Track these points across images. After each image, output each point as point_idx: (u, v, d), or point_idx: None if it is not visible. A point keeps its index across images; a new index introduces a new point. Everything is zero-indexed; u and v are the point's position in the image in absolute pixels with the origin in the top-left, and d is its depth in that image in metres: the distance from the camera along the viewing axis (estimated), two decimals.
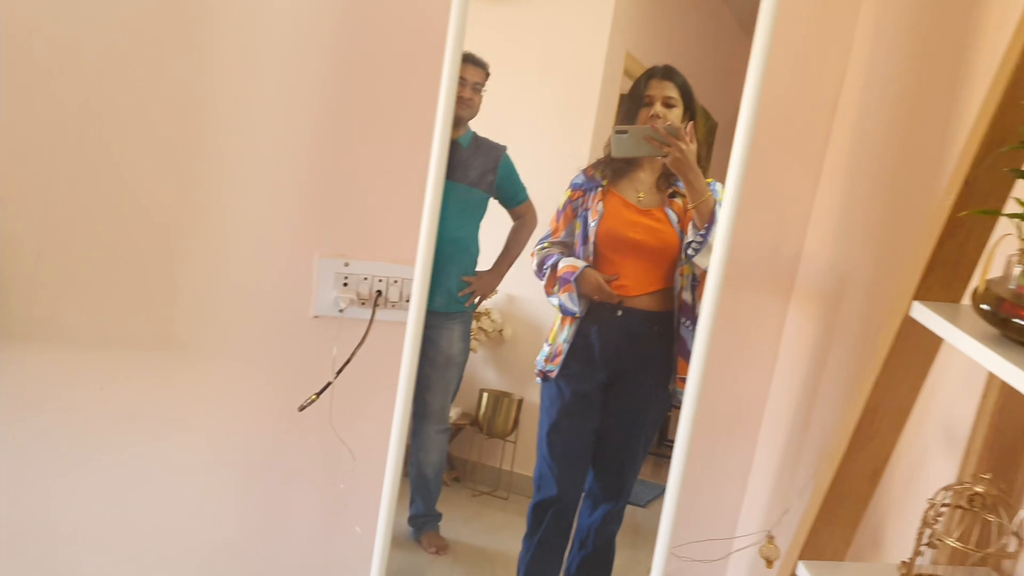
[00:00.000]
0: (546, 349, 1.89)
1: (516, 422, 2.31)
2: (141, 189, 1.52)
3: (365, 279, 1.63)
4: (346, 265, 1.62)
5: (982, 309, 1.03)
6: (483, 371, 2.38)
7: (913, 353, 1.20)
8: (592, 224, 1.78)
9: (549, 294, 1.84)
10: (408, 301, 1.64)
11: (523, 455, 2.21)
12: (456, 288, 1.84)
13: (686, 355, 1.80)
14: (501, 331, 2.33)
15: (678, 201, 1.78)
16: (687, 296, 1.77)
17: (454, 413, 2.33)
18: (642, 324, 1.82)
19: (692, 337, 1.78)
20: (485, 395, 2.36)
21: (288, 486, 1.72)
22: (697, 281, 1.77)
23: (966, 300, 1.16)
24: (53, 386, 1.56)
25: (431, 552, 2.21)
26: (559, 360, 1.84)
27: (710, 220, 1.65)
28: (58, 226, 1.49)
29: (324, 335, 1.63)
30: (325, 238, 1.61)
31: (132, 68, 1.46)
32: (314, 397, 1.58)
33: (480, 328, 2.30)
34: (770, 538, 1.41)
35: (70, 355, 1.56)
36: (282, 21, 1.50)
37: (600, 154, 1.87)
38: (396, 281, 1.65)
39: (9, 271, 1.48)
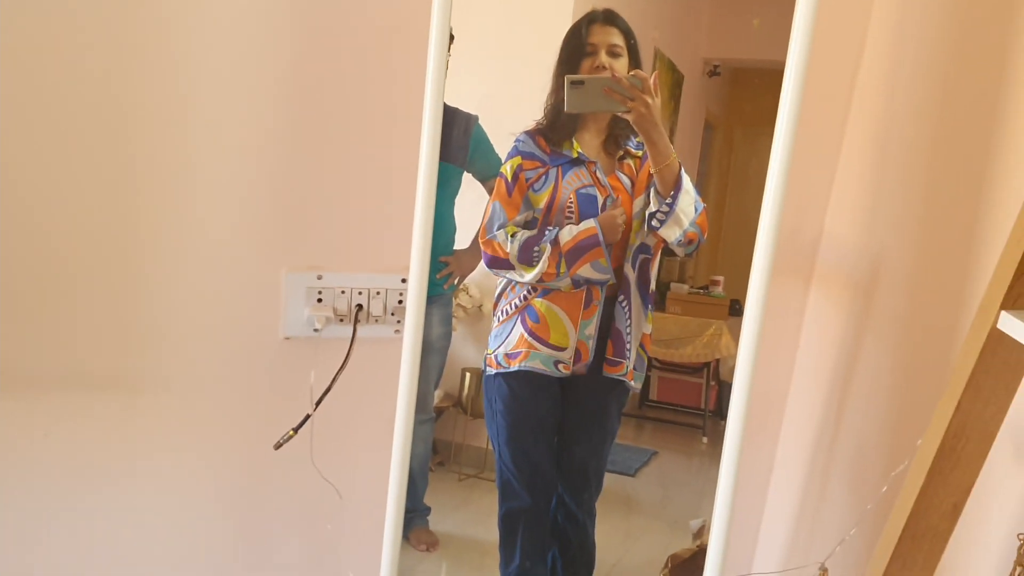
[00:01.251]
0: (563, 353, 1.68)
1: None
2: (75, 208, 1.29)
3: (343, 292, 1.43)
4: (319, 278, 1.42)
5: None
6: (464, 349, 2.27)
7: (1001, 370, 1.04)
8: (602, 199, 1.61)
9: (554, 278, 1.64)
10: (394, 314, 1.45)
11: None
12: (434, 270, 1.67)
13: (616, 337, 1.64)
14: (480, 306, 2.20)
15: (629, 163, 1.61)
16: (627, 270, 1.61)
17: (436, 396, 2.21)
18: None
19: (624, 317, 1.63)
20: (467, 375, 2.25)
21: (268, 533, 1.53)
22: (648, 252, 1.61)
23: None
24: None
25: (421, 550, 2.12)
26: (588, 358, 1.67)
27: (676, 186, 1.48)
28: None
29: (298, 359, 1.43)
30: (293, 250, 1.41)
31: (58, 68, 1.23)
32: (292, 433, 1.39)
33: (458, 305, 2.17)
34: (823, 571, 1.26)
35: (6, 401, 1.34)
36: (239, 11, 1.29)
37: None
38: (379, 292, 1.44)
39: None
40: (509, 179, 1.67)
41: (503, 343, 1.71)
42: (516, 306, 1.69)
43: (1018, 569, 1.03)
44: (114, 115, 1.28)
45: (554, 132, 1.65)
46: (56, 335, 1.33)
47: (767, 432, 1.72)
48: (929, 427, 1.08)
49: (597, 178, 1.62)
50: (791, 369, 1.69)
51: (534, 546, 1.84)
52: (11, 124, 1.23)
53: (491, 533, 1.95)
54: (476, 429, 2.28)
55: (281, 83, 1.34)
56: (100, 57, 1.25)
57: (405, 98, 1.30)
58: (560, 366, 1.66)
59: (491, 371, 1.74)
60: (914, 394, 1.35)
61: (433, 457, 2.32)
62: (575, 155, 1.63)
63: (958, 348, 1.16)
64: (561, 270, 1.61)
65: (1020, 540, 1.03)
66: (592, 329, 1.65)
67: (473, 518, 2.27)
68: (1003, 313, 0.99)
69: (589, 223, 1.60)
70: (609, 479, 1.93)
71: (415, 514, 2.16)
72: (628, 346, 1.65)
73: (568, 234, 1.60)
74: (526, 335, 1.68)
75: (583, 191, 1.63)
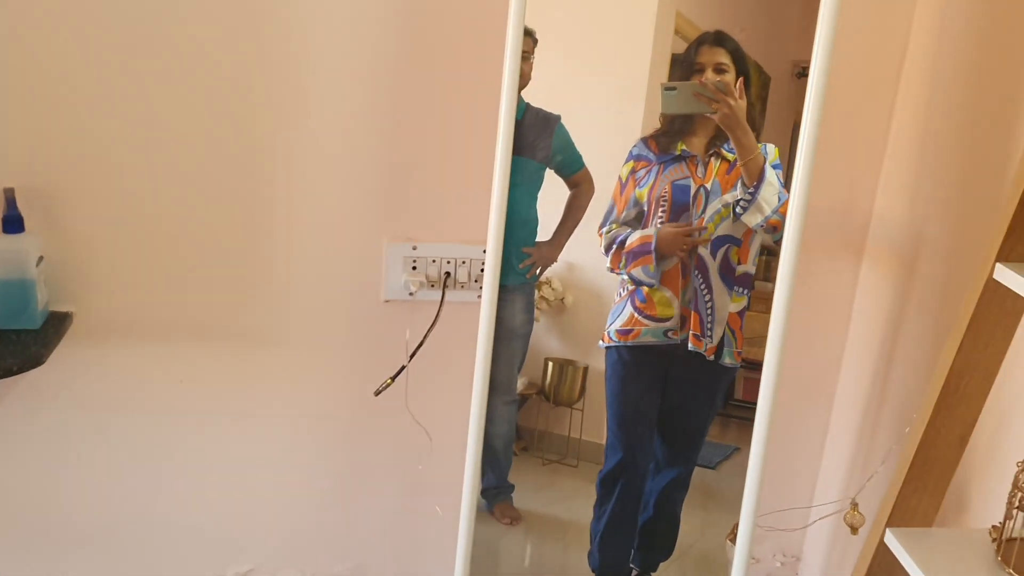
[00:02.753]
0: (670, 323, 1.87)
1: (582, 390, 2.32)
2: (208, 182, 1.54)
3: (433, 261, 1.65)
4: (414, 248, 1.64)
5: None
6: (546, 340, 2.39)
7: (998, 315, 1.17)
8: (695, 188, 1.78)
9: (614, 270, 1.84)
10: (477, 281, 1.66)
11: (590, 422, 2.22)
12: (516, 260, 1.85)
13: (695, 317, 1.80)
14: (563, 299, 2.33)
15: (723, 164, 1.78)
16: (704, 253, 1.77)
17: (520, 383, 2.35)
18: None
19: (703, 299, 1.78)
20: (550, 364, 2.37)
21: (367, 470, 1.75)
22: (736, 242, 1.76)
23: None
24: (133, 382, 1.61)
25: (505, 523, 2.24)
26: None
27: (759, 178, 1.64)
28: (129, 224, 1.52)
29: (396, 319, 1.65)
30: (392, 223, 1.62)
31: (193, 58, 1.47)
32: (389, 381, 1.61)
33: (542, 297, 2.31)
34: (854, 505, 1.40)
35: (148, 351, 1.59)
36: (344, 7, 1.50)
37: (655, 115, 1.85)
38: (464, 262, 1.66)
39: (85, 271, 1.51)
40: (624, 180, 1.86)
41: (615, 321, 1.90)
42: (628, 289, 1.87)
43: (1018, 494, 1.16)
44: (244, 108, 1.51)
45: (666, 136, 1.83)
46: (194, 295, 1.58)
47: (822, 398, 1.86)
48: (936, 367, 1.21)
49: (695, 171, 1.79)
50: (844, 337, 1.82)
51: (626, 505, 2.00)
52: (159, 118, 1.48)
53: (572, 513, 2.09)
54: (559, 417, 2.39)
55: (384, 85, 1.55)
56: (233, 58, 1.49)
57: (488, 96, 1.45)
58: (669, 334, 1.83)
59: (603, 344, 1.93)
60: None
61: (517, 442, 2.44)
62: (679, 152, 1.81)
63: None
64: (621, 266, 1.81)
65: (1018, 467, 1.16)
66: (691, 294, 1.82)
67: (556, 498, 2.36)
68: (998, 265, 1.13)
69: (649, 231, 1.78)
70: None
71: (500, 490, 2.28)
72: (707, 326, 1.81)
73: (632, 238, 1.79)
74: (636, 314, 1.86)
75: (678, 183, 1.80)
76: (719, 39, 1.77)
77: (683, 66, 1.78)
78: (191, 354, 1.62)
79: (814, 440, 1.88)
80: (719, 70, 1.73)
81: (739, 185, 1.68)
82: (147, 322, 1.58)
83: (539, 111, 1.98)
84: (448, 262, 1.66)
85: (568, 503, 2.28)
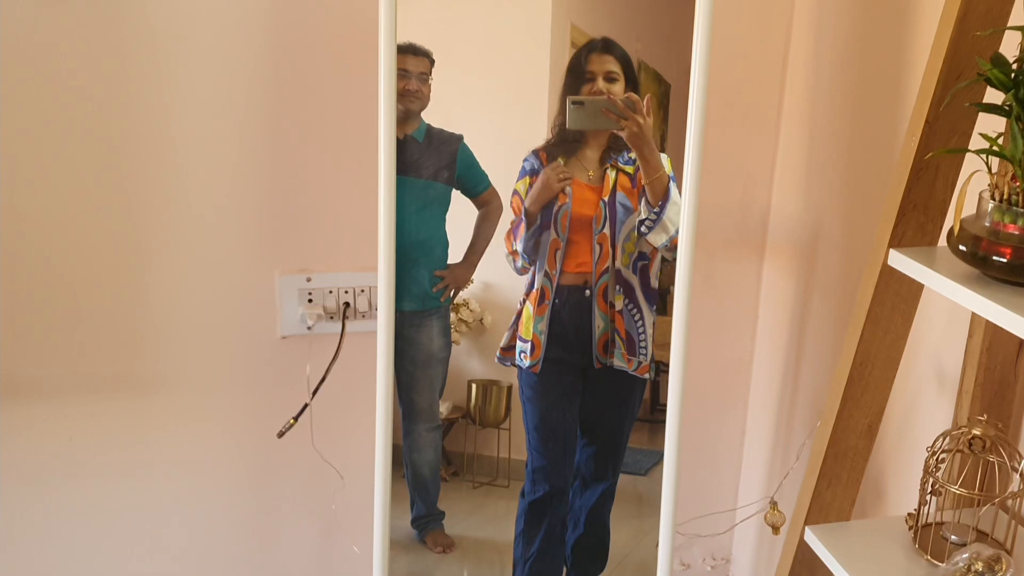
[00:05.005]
0: (520, 344, 1.85)
1: (508, 409, 2.29)
2: (85, 226, 1.47)
3: (331, 292, 1.59)
4: (308, 280, 1.58)
5: (960, 250, 1.00)
6: (468, 362, 2.36)
7: (895, 301, 1.17)
8: (565, 208, 1.76)
9: (515, 260, 1.80)
10: (378, 310, 1.60)
11: (518, 441, 2.20)
12: (429, 285, 1.82)
13: (628, 339, 1.80)
14: (481, 320, 2.31)
15: (610, 175, 1.78)
16: (628, 275, 1.77)
17: (444, 408, 2.31)
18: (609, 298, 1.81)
19: (634, 320, 1.78)
20: (474, 386, 2.35)
21: (278, 516, 1.69)
22: (646, 259, 1.76)
23: (942, 242, 1.14)
24: (20, 443, 1.52)
25: (438, 552, 2.20)
26: (539, 353, 1.82)
27: (664, 197, 1.63)
28: (2, 276, 1.44)
29: (294, 355, 1.59)
30: (283, 255, 1.57)
31: (65, 95, 1.41)
32: (292, 421, 1.54)
33: (460, 320, 2.28)
34: (773, 504, 1.39)
35: (33, 410, 1.51)
36: (213, 33, 1.46)
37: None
38: (363, 290, 1.60)
39: None
40: (523, 196, 1.84)
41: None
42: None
43: (929, 479, 1.16)
44: (114, 136, 1.44)
45: (559, 148, 1.81)
46: (74, 345, 1.50)
47: (736, 397, 1.86)
48: (840, 357, 1.21)
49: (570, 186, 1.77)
50: (753, 336, 1.82)
51: (556, 529, 1.97)
52: (29, 161, 1.41)
53: (506, 535, 2.05)
54: (486, 439, 2.37)
55: (266, 116, 1.51)
56: (107, 93, 1.42)
57: (372, 120, 1.41)
58: (522, 356, 1.81)
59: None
60: None
61: (447, 468, 2.40)
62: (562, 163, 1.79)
63: None
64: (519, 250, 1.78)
65: (928, 452, 1.16)
66: (544, 325, 1.81)
67: (489, 520, 2.33)
68: (891, 251, 1.13)
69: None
70: (622, 479, 2.04)
71: (430, 518, 2.25)
72: (640, 346, 1.80)
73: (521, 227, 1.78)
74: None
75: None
76: (607, 47, 1.76)
77: (573, 74, 1.77)
78: (78, 409, 1.54)
79: (733, 441, 1.89)
80: (610, 78, 1.72)
81: (643, 204, 1.67)
82: (28, 381, 1.49)
83: (440, 132, 1.96)
84: (346, 292, 1.60)
85: (501, 524, 2.25)
